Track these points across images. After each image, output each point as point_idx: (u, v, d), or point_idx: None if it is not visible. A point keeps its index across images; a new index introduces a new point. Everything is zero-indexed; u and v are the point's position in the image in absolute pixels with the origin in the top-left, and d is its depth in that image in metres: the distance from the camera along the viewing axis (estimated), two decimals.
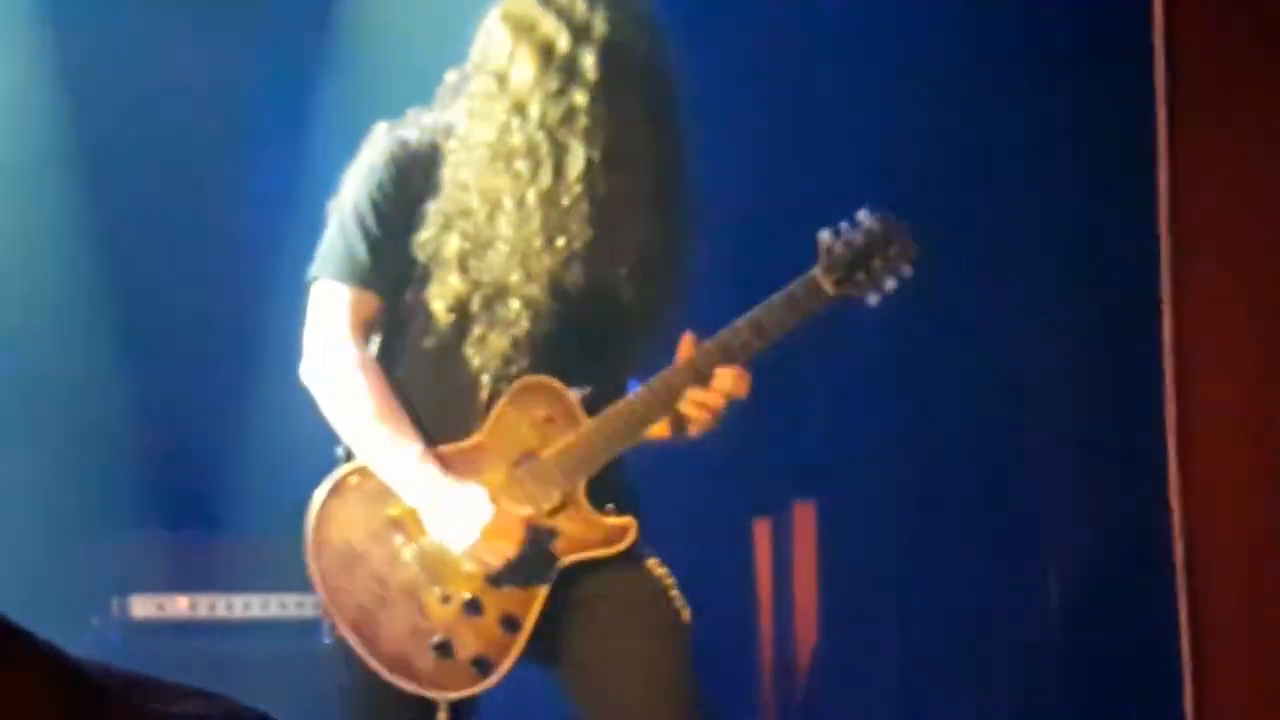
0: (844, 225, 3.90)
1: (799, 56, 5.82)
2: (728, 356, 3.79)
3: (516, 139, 3.69)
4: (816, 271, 3.86)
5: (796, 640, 5.93)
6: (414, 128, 3.83)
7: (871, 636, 5.88)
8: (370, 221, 3.76)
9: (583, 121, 3.69)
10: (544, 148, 3.69)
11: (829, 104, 5.77)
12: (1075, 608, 5.56)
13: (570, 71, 3.70)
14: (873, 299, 3.90)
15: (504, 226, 3.71)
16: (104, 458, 5.66)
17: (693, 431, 3.84)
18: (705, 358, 3.78)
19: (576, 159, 3.69)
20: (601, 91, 3.70)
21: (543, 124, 3.69)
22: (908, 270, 3.92)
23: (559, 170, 3.69)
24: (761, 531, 5.95)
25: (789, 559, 5.93)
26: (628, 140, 3.74)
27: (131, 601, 5.21)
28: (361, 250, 3.76)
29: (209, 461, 5.59)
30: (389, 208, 3.78)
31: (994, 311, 5.63)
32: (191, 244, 5.71)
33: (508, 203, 3.70)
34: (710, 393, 3.77)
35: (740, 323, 3.81)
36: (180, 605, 5.22)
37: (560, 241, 3.70)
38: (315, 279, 3.81)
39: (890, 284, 3.90)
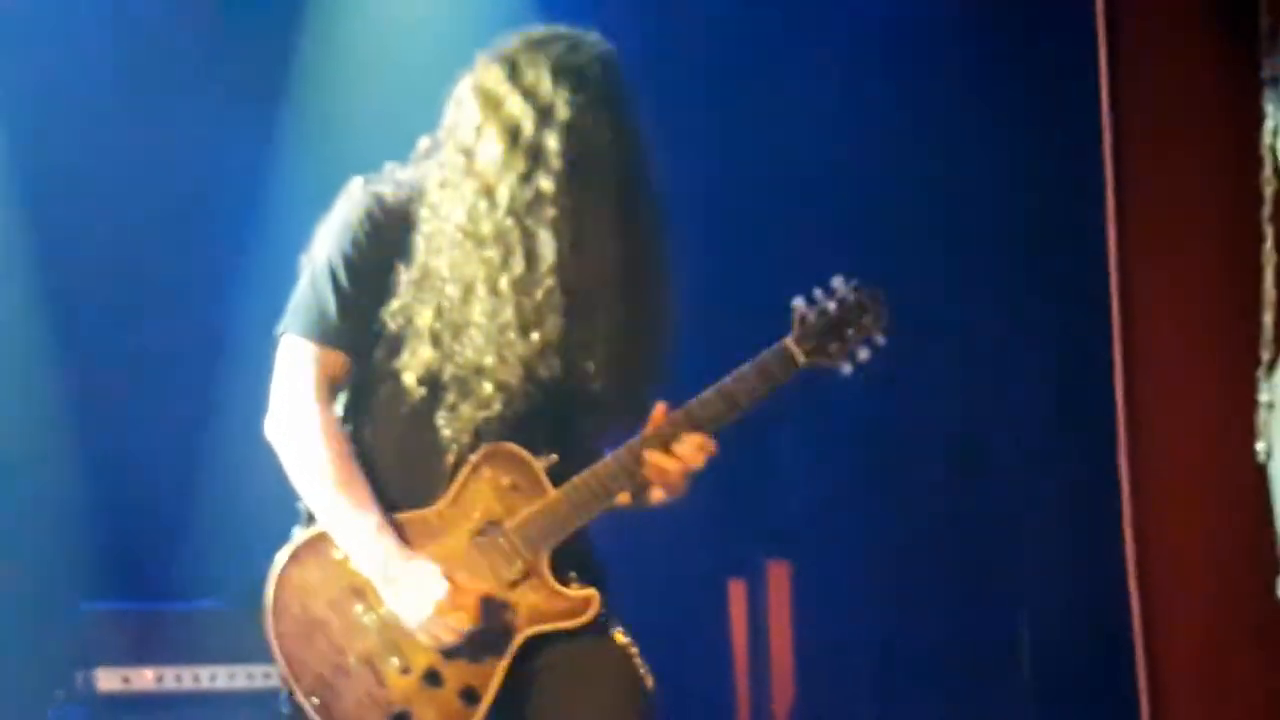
0: (818, 292, 3.88)
1: (775, 121, 5.87)
2: (696, 427, 3.76)
3: (485, 225, 3.68)
4: (789, 341, 3.83)
5: (774, 700, 5.94)
6: (390, 183, 3.81)
7: (848, 696, 5.90)
8: (343, 278, 3.75)
9: (550, 211, 3.68)
10: (514, 235, 3.68)
11: (807, 169, 5.81)
12: (1048, 668, 5.58)
13: (536, 156, 3.69)
14: (845, 369, 3.87)
15: (477, 313, 3.69)
16: (65, 529, 5.66)
17: (653, 499, 3.85)
18: (674, 428, 3.76)
19: (547, 249, 3.68)
20: (566, 178, 3.69)
21: (511, 210, 3.68)
22: (881, 339, 3.88)
23: (530, 260, 3.68)
24: (736, 592, 5.96)
25: (764, 619, 5.95)
26: (595, 228, 3.72)
27: (96, 674, 5.20)
28: (331, 307, 3.75)
29: (174, 530, 5.59)
30: (362, 265, 3.75)
31: (964, 374, 5.68)
32: (150, 305, 5.73)
33: (481, 289, 3.69)
34: (668, 458, 3.77)
35: (710, 393, 3.78)
36: (146, 678, 5.20)
37: (535, 335, 3.69)
38: (284, 333, 3.80)
39: (864, 354, 3.87)
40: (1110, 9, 3.14)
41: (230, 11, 5.92)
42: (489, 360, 3.70)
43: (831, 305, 3.87)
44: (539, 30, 3.82)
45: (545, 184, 3.68)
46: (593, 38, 3.82)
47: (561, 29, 3.82)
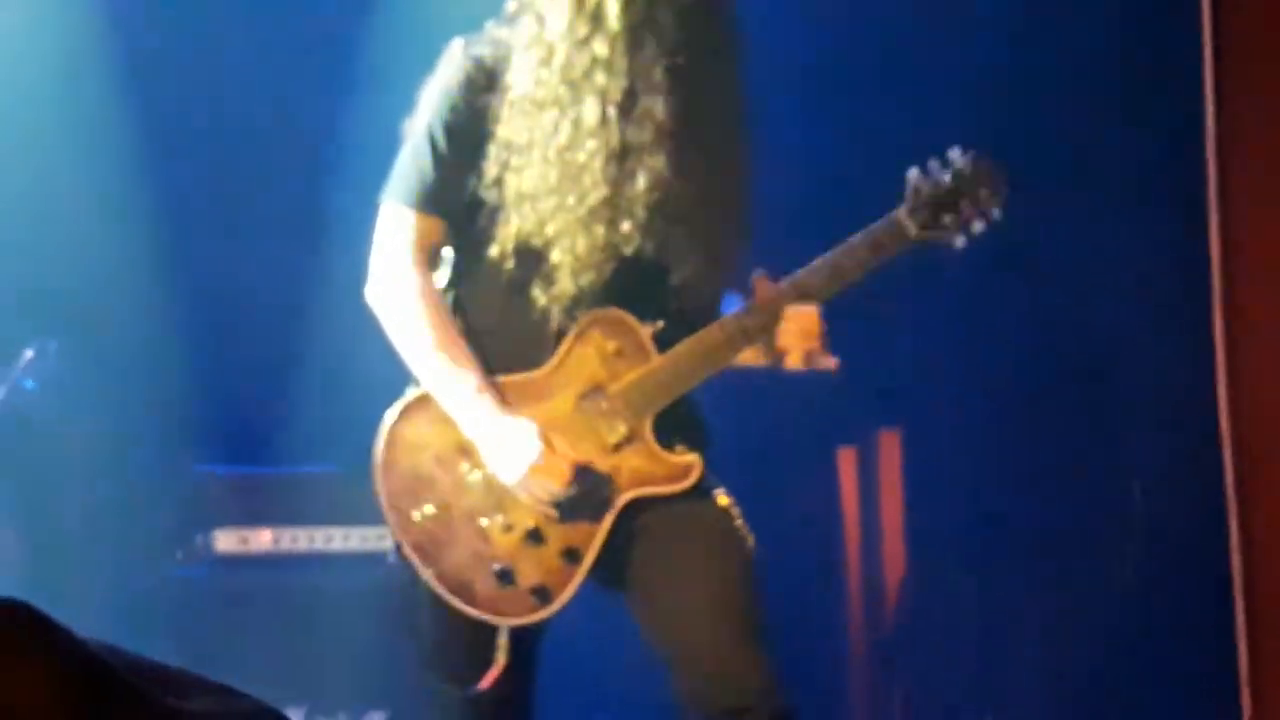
0: (934, 164, 3.86)
1: None
2: (804, 297, 3.79)
3: (542, 91, 3.72)
4: (901, 213, 3.82)
5: (884, 568, 5.97)
6: (489, 44, 3.83)
7: (958, 566, 5.91)
8: (441, 144, 3.78)
9: (600, 76, 3.69)
10: (565, 100, 3.71)
11: (928, 37, 5.75)
12: (1160, 538, 5.58)
13: (596, 19, 3.70)
14: (959, 242, 3.86)
15: (530, 180, 3.73)
16: (183, 395, 5.75)
17: (788, 364, 3.86)
18: (781, 298, 3.80)
19: (590, 113, 3.70)
20: (623, 41, 3.70)
21: (565, 75, 3.70)
22: (997, 214, 3.87)
23: (575, 124, 3.71)
24: (847, 460, 5.98)
25: (875, 488, 5.97)
26: (646, 90, 3.72)
27: (215, 536, 5.31)
28: (430, 175, 3.79)
29: (291, 395, 5.67)
30: (461, 131, 3.79)
31: (1071, 251, 5.65)
32: (254, 174, 5.80)
33: (535, 155, 3.73)
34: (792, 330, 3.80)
35: (819, 263, 3.80)
36: (263, 539, 5.31)
37: (571, 199, 3.72)
38: (385, 199, 3.85)
39: (978, 227, 3.85)
40: None
41: None
42: (550, 229, 3.74)
43: (947, 177, 3.85)
44: None
45: (600, 48, 3.70)
46: None
47: None
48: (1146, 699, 5.48)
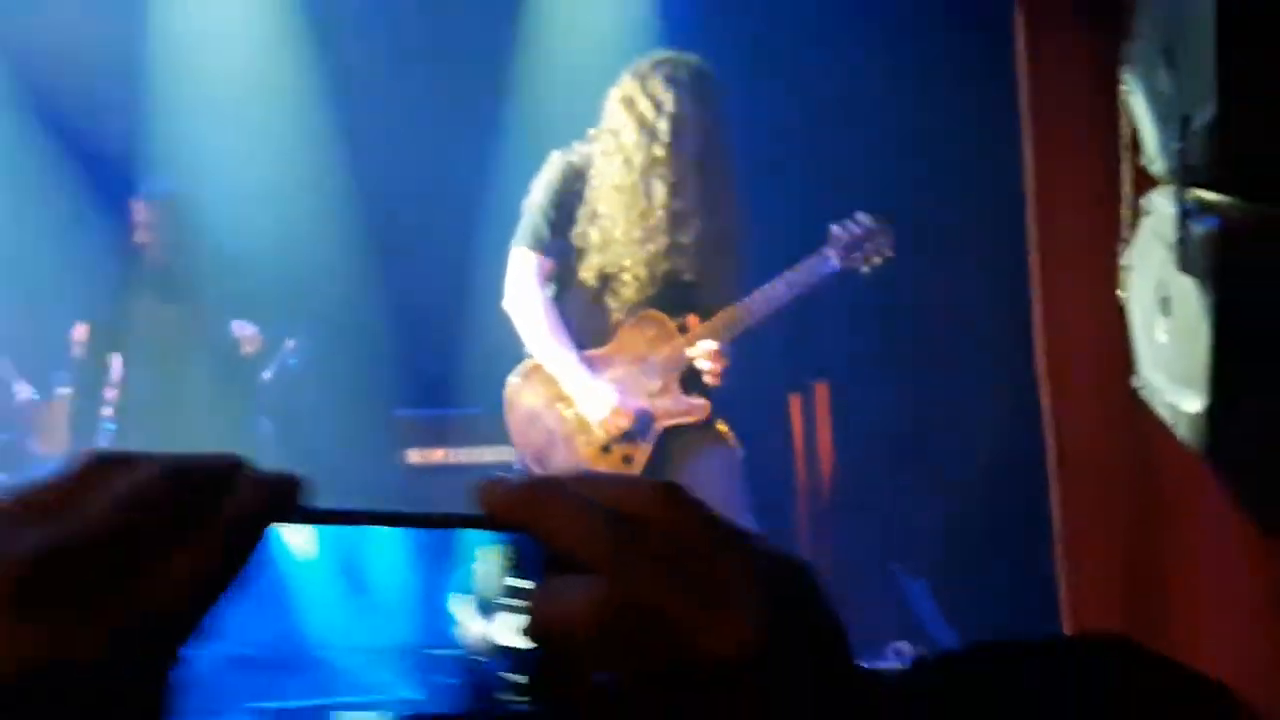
0: (848, 221, 4.11)
1: (819, 98, 5.81)
2: (766, 302, 4.00)
3: (626, 180, 3.97)
4: (829, 249, 4.07)
5: (820, 476, 5.89)
6: (576, 155, 4.08)
7: (867, 468, 5.84)
8: (550, 212, 4.02)
9: (661, 169, 3.95)
10: (640, 186, 3.95)
11: (836, 143, 5.74)
12: (987, 446, 5.45)
13: (653, 135, 3.96)
14: (864, 270, 4.10)
15: (619, 233, 3.98)
16: (388, 364, 5.92)
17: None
18: (753, 304, 4.01)
19: (659, 193, 3.95)
20: (671, 148, 3.95)
21: (640, 170, 3.96)
22: (890, 252, 4.11)
23: (649, 199, 3.95)
24: (795, 403, 5.95)
25: (814, 423, 5.91)
26: (688, 177, 3.96)
27: (407, 454, 5.47)
28: (545, 229, 4.02)
29: (457, 364, 5.75)
30: (561, 204, 4.02)
31: (943, 269, 5.66)
32: (436, 234, 5.95)
33: (621, 219, 3.98)
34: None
35: (776, 280, 4.04)
36: (437, 455, 5.46)
37: (651, 246, 3.97)
38: (515, 246, 4.09)
39: (877, 260, 4.09)
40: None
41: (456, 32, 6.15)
42: (627, 262, 4.00)
43: (857, 229, 4.10)
44: (660, 54, 4.08)
45: (659, 152, 3.94)
46: (694, 58, 4.06)
47: (673, 53, 4.07)
48: (984, 548, 5.34)
